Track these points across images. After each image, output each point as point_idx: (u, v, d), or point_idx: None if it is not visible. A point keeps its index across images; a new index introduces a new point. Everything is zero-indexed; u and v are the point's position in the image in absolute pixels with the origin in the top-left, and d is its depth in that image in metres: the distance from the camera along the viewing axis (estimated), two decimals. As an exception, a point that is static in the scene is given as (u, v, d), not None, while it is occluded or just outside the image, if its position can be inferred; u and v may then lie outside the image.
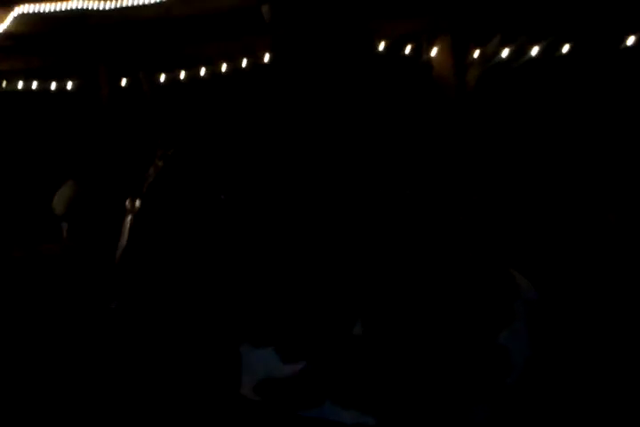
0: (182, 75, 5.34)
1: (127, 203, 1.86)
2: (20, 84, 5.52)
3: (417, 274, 1.96)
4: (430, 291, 1.93)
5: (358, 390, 1.73)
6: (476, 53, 4.93)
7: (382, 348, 1.77)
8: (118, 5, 4.42)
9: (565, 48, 4.87)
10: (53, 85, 5.50)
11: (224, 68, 5.29)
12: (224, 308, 1.72)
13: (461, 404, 1.84)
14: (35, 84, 5.51)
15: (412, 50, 5.03)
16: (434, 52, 4.89)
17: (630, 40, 4.69)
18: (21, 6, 4.51)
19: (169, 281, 1.69)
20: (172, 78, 5.35)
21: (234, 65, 5.28)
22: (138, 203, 1.79)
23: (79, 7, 4.44)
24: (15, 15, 4.54)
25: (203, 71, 5.32)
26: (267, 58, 5.13)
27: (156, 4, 4.43)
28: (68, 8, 4.45)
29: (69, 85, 5.51)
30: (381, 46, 4.41)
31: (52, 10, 4.47)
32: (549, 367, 2.07)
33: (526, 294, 2.08)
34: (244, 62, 5.24)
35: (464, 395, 1.85)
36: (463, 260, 2.08)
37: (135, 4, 4.41)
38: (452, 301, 1.94)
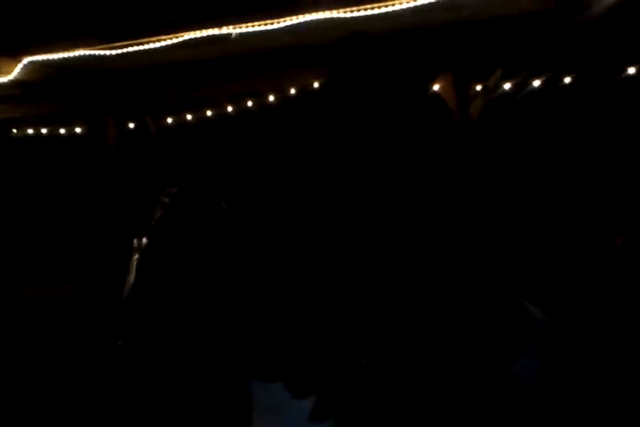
0: (188, 117, 5.43)
1: (134, 241, 1.87)
2: (31, 131, 5.63)
3: (428, 305, 1.94)
4: (441, 322, 1.91)
5: (371, 423, 1.70)
6: (478, 87, 4.99)
7: (393, 380, 1.74)
8: (124, 51, 4.53)
9: (567, 80, 4.93)
10: (62, 131, 5.60)
11: (230, 109, 5.37)
12: (232, 343, 1.70)
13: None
14: (44, 130, 5.61)
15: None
16: (436, 87, 4.95)
17: (630, 71, 4.75)
18: (30, 56, 4.64)
19: (176, 318, 1.68)
20: (178, 121, 5.43)
21: (239, 106, 5.37)
22: (144, 240, 1.80)
23: (86, 54, 4.54)
24: (24, 64, 4.66)
25: (209, 113, 5.40)
26: (271, 98, 5.23)
27: (161, 49, 4.53)
28: (76, 55, 4.56)
29: (78, 130, 5.61)
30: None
31: (60, 57, 4.58)
32: (564, 398, 2.03)
33: (540, 325, 2.06)
34: (249, 103, 5.33)
35: (479, 425, 1.81)
36: (474, 290, 2.06)
37: (141, 49, 4.52)
38: (462, 332, 1.92)
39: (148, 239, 1.79)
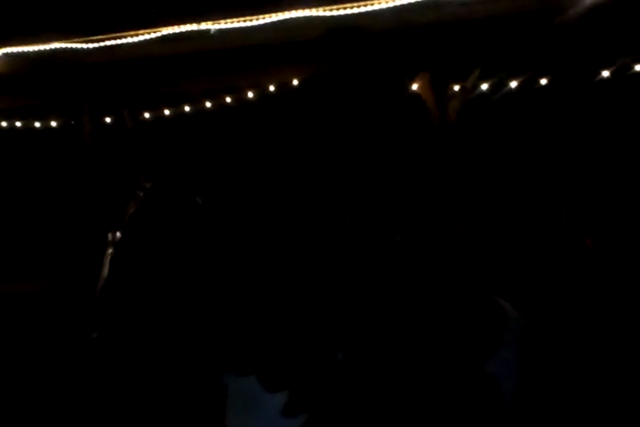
0: (165, 112, 5.39)
1: (109, 235, 1.86)
2: (4, 124, 5.56)
3: (402, 301, 1.96)
4: (415, 318, 1.93)
5: (344, 417, 1.71)
6: (456, 87, 5.03)
7: (367, 375, 1.76)
8: (102, 45, 4.49)
9: (543, 81, 4.98)
10: (37, 124, 5.53)
11: (208, 105, 5.35)
12: (207, 337, 1.70)
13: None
14: (19, 124, 5.54)
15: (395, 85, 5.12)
16: (414, 86, 4.98)
17: (605, 74, 4.83)
18: (5, 48, 4.57)
19: (150, 312, 1.68)
20: (156, 116, 5.40)
21: (217, 102, 5.35)
22: (118, 234, 1.79)
23: (63, 47, 4.49)
24: (0, 56, 4.60)
25: (187, 108, 5.38)
26: (250, 95, 5.21)
27: (139, 43, 4.49)
28: (53, 48, 4.50)
29: (54, 124, 5.55)
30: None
31: (37, 50, 4.52)
32: (540, 394, 2.06)
33: (514, 322, 2.09)
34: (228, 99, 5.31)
35: (454, 422, 1.83)
36: (449, 289, 2.08)
37: (118, 43, 4.48)
38: (438, 329, 1.94)
39: (122, 233, 1.78)
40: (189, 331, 1.71)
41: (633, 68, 4.77)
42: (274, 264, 1.78)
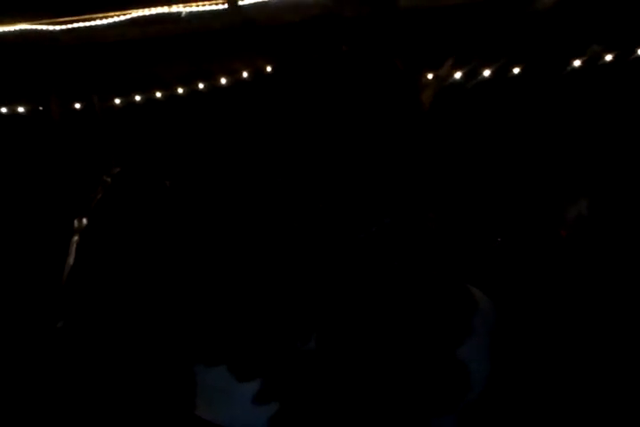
0: (136, 97, 5.30)
1: (75, 222, 1.81)
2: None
3: (373, 289, 1.95)
4: (387, 305, 1.92)
5: (316, 405, 1.70)
6: (430, 76, 5.02)
7: (339, 362, 1.74)
8: (70, 27, 4.39)
9: (516, 70, 5.00)
10: (4, 109, 5.40)
11: (180, 90, 5.27)
12: (176, 326, 1.67)
13: (423, 417, 1.82)
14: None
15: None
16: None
17: (576, 63, 4.86)
18: (-30, 29, 4.45)
19: (117, 299, 1.65)
20: (126, 101, 5.30)
21: (189, 88, 5.27)
22: (85, 221, 1.75)
23: (29, 29, 4.38)
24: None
25: (158, 94, 5.29)
26: (223, 81, 5.14)
27: (108, 26, 4.40)
28: (19, 29, 4.39)
29: (21, 109, 5.42)
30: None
31: (1, 31, 4.40)
32: (513, 380, 2.06)
33: (485, 309, 2.09)
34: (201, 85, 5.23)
35: (425, 408, 1.83)
36: (420, 275, 2.08)
37: (87, 25, 4.38)
38: (409, 316, 1.93)
39: (89, 220, 1.74)
40: (157, 320, 1.68)
41: (604, 57, 4.81)
42: (244, 251, 1.75)
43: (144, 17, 4.39)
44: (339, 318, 1.81)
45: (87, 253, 1.70)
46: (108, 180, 1.84)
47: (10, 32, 4.43)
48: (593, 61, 4.85)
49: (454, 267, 2.33)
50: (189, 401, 1.63)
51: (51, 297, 1.72)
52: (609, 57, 4.81)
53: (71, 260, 1.71)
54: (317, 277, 1.84)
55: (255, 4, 4.30)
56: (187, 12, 4.38)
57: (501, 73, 5.02)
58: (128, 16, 4.40)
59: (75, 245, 1.73)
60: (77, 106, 5.33)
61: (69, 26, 4.41)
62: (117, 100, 5.31)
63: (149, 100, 5.28)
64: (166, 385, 1.65)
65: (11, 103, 5.39)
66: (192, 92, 5.20)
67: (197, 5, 4.36)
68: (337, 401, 1.72)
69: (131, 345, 1.69)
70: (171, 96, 5.23)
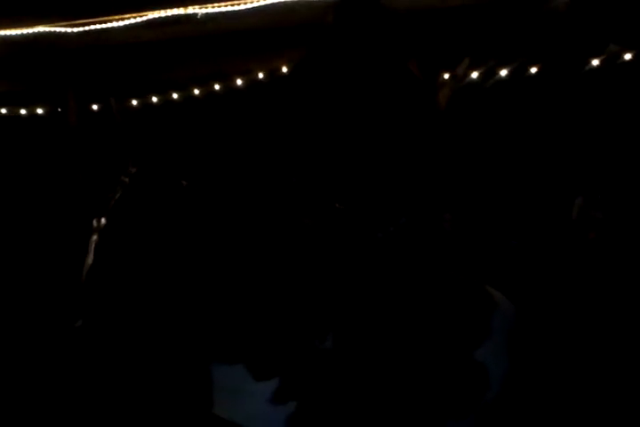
0: (153, 99, 5.33)
1: (94, 222, 1.82)
2: (-11, 110, 5.47)
3: (391, 288, 1.94)
4: (404, 305, 1.91)
5: (333, 405, 1.69)
6: (447, 75, 4.99)
7: (356, 362, 1.73)
8: (87, 29, 4.41)
9: (533, 70, 4.97)
10: (23, 111, 5.45)
11: (196, 92, 5.29)
12: (193, 325, 1.67)
13: (440, 419, 1.80)
14: (3, 110, 5.46)
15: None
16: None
17: (594, 62, 4.82)
18: (-11, 31, 4.49)
19: (135, 299, 1.65)
20: (143, 102, 5.33)
21: (205, 89, 5.28)
22: (103, 220, 1.76)
23: (47, 31, 4.41)
24: (-18, 40, 4.51)
25: (174, 95, 5.31)
26: (239, 82, 5.15)
27: (124, 28, 4.42)
28: (36, 32, 4.42)
29: (39, 111, 5.47)
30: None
31: (20, 34, 4.44)
32: (531, 381, 2.04)
33: (504, 310, 2.07)
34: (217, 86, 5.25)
35: (442, 410, 1.81)
36: (439, 277, 2.07)
37: (103, 27, 4.40)
38: (427, 316, 1.92)
39: (107, 220, 1.75)
40: (175, 319, 1.68)
41: (622, 56, 4.77)
42: (261, 250, 1.75)
43: (160, 18, 4.41)
44: (356, 317, 1.80)
45: (106, 252, 1.70)
46: (126, 180, 1.85)
47: (28, 34, 4.46)
48: (611, 61, 4.80)
49: (473, 268, 2.32)
50: (207, 399, 1.62)
51: (69, 296, 1.72)
52: (628, 56, 4.76)
53: (90, 259, 1.71)
54: (335, 276, 1.83)
55: (268, 5, 4.30)
56: (202, 14, 4.39)
57: (518, 73, 4.98)
58: (144, 18, 4.42)
59: (94, 245, 1.74)
60: (95, 107, 5.36)
61: (86, 28, 4.44)
62: (134, 102, 5.34)
63: (166, 101, 5.30)
64: (184, 383, 1.65)
65: (29, 105, 5.43)
66: (208, 93, 5.22)
67: (213, 7, 4.37)
68: (354, 401, 1.71)
69: (148, 343, 1.69)
70: (187, 97, 5.25)
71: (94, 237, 1.77)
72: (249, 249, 1.74)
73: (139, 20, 4.42)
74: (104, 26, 4.42)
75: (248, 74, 5.09)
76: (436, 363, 1.87)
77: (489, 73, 4.96)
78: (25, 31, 4.44)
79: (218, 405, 1.63)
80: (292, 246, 1.80)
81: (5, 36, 4.48)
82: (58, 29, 4.44)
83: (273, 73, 4.94)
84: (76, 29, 4.44)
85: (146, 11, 4.43)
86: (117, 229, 1.72)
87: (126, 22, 4.42)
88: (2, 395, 2.93)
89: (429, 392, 1.83)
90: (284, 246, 1.78)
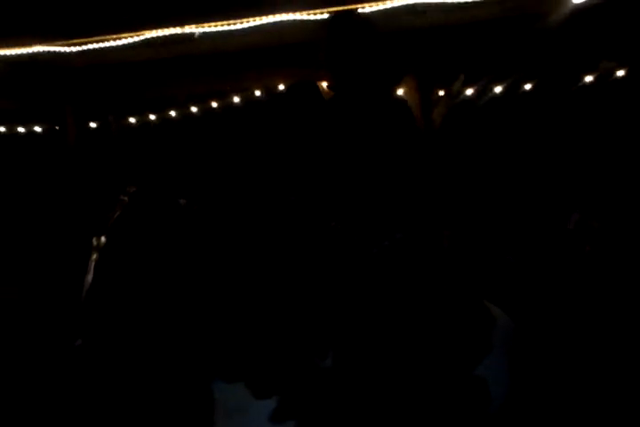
0: (150, 117, 5.36)
1: (93, 240, 1.83)
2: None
3: (389, 305, 1.94)
4: (404, 322, 1.91)
5: (334, 423, 1.68)
6: (441, 92, 5.03)
7: (356, 380, 1.73)
8: (84, 48, 4.44)
9: (527, 86, 5.02)
10: (21, 129, 5.47)
11: (193, 109, 5.32)
12: (193, 343, 1.67)
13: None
14: (2, 129, 5.48)
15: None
16: (400, 91, 4.98)
17: (588, 79, 4.87)
18: (-12, 51, 4.51)
19: (135, 317, 1.65)
20: (141, 120, 5.36)
21: (203, 107, 5.32)
22: (103, 239, 1.76)
23: (45, 51, 4.44)
24: (-19, 59, 4.53)
25: (172, 113, 5.34)
26: (236, 99, 5.19)
27: (122, 47, 4.46)
28: (35, 51, 4.45)
29: (37, 129, 5.49)
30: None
31: (18, 53, 4.46)
32: (533, 395, 2.04)
33: (503, 325, 2.08)
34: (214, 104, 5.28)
35: (443, 426, 1.81)
36: (437, 292, 2.07)
37: (101, 47, 4.44)
38: (427, 333, 1.93)
39: (107, 238, 1.76)
40: (175, 337, 1.68)
41: (615, 73, 4.82)
42: (261, 269, 1.76)
43: (157, 38, 4.45)
44: (355, 334, 1.81)
45: (105, 270, 1.71)
46: (125, 198, 1.86)
47: (25, 54, 4.49)
48: (604, 77, 4.85)
49: (472, 284, 2.33)
50: (207, 418, 1.62)
51: (69, 314, 1.73)
52: (620, 72, 4.81)
53: (90, 277, 1.72)
54: (334, 292, 1.84)
55: (264, 25, 4.34)
56: (199, 33, 4.43)
57: (513, 89, 5.03)
58: (141, 37, 4.45)
59: (93, 263, 1.75)
60: (93, 125, 5.39)
61: (84, 47, 4.46)
62: (132, 120, 5.37)
63: (164, 119, 5.33)
64: (185, 401, 1.65)
65: (27, 123, 5.46)
66: (206, 110, 5.25)
67: (210, 26, 4.41)
68: (354, 419, 1.71)
69: (148, 362, 1.69)
70: (185, 115, 5.28)
71: (94, 256, 1.78)
72: (248, 267, 1.75)
73: (136, 39, 4.46)
74: (102, 45, 4.45)
75: (245, 91, 5.12)
76: (436, 379, 1.87)
77: (484, 90, 5.00)
78: (23, 51, 4.46)
79: (217, 423, 1.63)
80: (291, 265, 1.81)
81: (4, 55, 4.51)
82: (56, 49, 4.47)
83: (270, 91, 4.97)
84: (74, 49, 4.47)
85: (143, 30, 4.46)
86: (117, 248, 1.73)
87: (124, 41, 4.45)
88: (3, 410, 2.91)
89: (430, 409, 1.83)
90: (282, 265, 1.79)
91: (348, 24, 2.36)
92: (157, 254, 1.72)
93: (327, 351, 1.73)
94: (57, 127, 5.32)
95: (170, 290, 1.69)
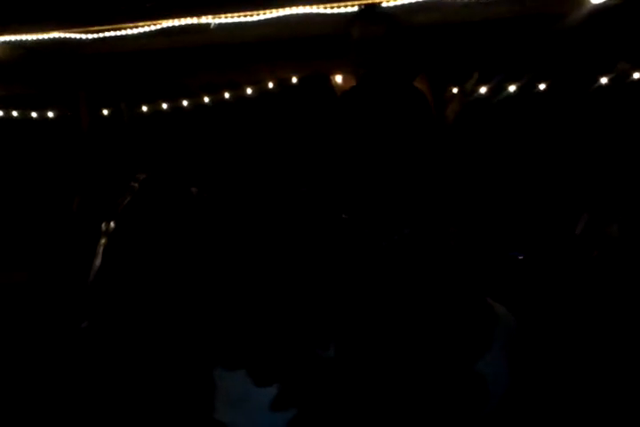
0: (163, 105, 5.37)
1: (103, 225, 1.84)
2: (0, 113, 5.53)
3: (394, 299, 1.95)
4: (407, 316, 1.92)
5: (333, 413, 1.70)
6: (455, 90, 5.02)
7: (358, 371, 1.74)
8: (100, 36, 4.46)
9: (542, 86, 5.00)
10: (34, 114, 5.50)
11: (206, 99, 5.33)
12: (197, 330, 1.68)
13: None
14: (15, 113, 5.51)
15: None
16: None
17: (603, 80, 4.84)
18: (3, 36, 4.54)
19: (141, 302, 1.66)
20: (153, 109, 5.38)
21: (215, 97, 5.33)
22: (112, 224, 1.78)
23: (61, 37, 4.46)
24: (-3, 44, 4.56)
25: (185, 102, 5.36)
26: (249, 91, 5.19)
27: (138, 35, 4.47)
28: (50, 37, 4.47)
29: (50, 114, 5.51)
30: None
31: (34, 39, 4.49)
32: (532, 393, 2.05)
33: (505, 323, 2.09)
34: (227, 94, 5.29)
35: (442, 420, 1.82)
36: (442, 288, 2.08)
37: (117, 34, 4.45)
38: (430, 328, 1.93)
39: (116, 224, 1.77)
40: (179, 324, 1.69)
41: (632, 74, 4.79)
42: (267, 258, 1.77)
43: (173, 27, 4.45)
44: (359, 326, 1.82)
45: (114, 255, 1.73)
46: (135, 185, 1.87)
47: (42, 40, 4.51)
48: (620, 78, 4.82)
49: (476, 281, 2.33)
50: (209, 404, 1.64)
51: (76, 297, 1.74)
52: (637, 74, 4.78)
53: (98, 262, 1.73)
54: (339, 283, 1.85)
55: (280, 17, 4.34)
56: (215, 24, 4.43)
57: (527, 89, 5.01)
58: (158, 26, 4.46)
59: (102, 248, 1.76)
60: (105, 112, 5.41)
61: (100, 35, 4.48)
62: (145, 108, 5.39)
63: (176, 108, 5.35)
64: (186, 388, 1.66)
65: (41, 108, 5.49)
66: (218, 100, 5.26)
67: (226, 17, 4.41)
68: (355, 410, 1.72)
69: (152, 347, 1.71)
70: (197, 104, 5.29)
71: (103, 241, 1.80)
72: (254, 256, 1.76)
73: (152, 28, 4.47)
74: (118, 33, 4.46)
75: (258, 83, 5.13)
76: (437, 374, 1.88)
77: (498, 88, 4.98)
78: (41, 36, 4.48)
79: (219, 410, 1.64)
80: (297, 254, 1.82)
81: (21, 40, 4.53)
82: (73, 35, 4.48)
83: (283, 83, 4.97)
84: (90, 36, 4.49)
85: (160, 19, 4.47)
86: (126, 233, 1.74)
87: (140, 30, 4.46)
88: (7, 395, 2.94)
89: (430, 402, 1.84)
90: (289, 254, 1.80)
91: (376, 17, 2.38)
92: (166, 241, 1.74)
93: (330, 342, 1.74)
94: (70, 113, 5.35)
95: (176, 276, 1.70)
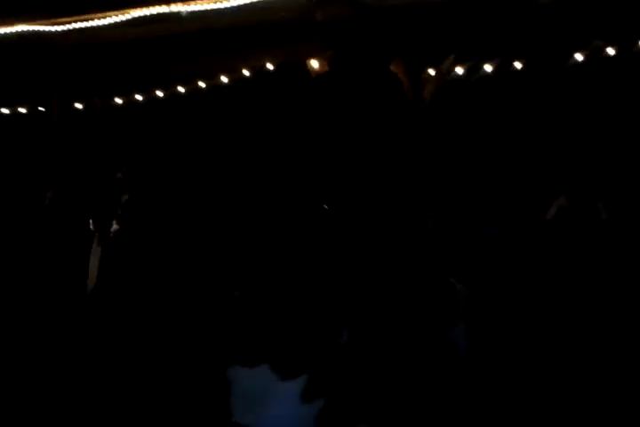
0: (137, 97, 5.30)
1: (92, 222, 1.81)
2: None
3: (385, 286, 1.99)
4: (400, 301, 1.97)
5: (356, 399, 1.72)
6: (432, 71, 5.00)
7: (369, 355, 1.79)
8: (69, 28, 4.38)
9: (518, 65, 4.99)
10: (5, 111, 5.40)
11: (180, 89, 5.27)
12: (208, 329, 1.65)
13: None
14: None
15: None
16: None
17: (578, 57, 4.85)
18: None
19: (152, 306, 1.64)
20: (127, 101, 5.30)
21: (190, 87, 5.26)
22: (115, 225, 1.75)
23: (30, 30, 4.37)
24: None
25: (159, 93, 5.28)
26: (224, 79, 5.13)
27: (108, 26, 4.39)
28: (19, 30, 4.38)
29: (22, 110, 5.42)
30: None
31: (1, 33, 4.40)
32: (489, 354, 2.21)
33: (463, 295, 2.28)
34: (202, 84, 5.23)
35: (434, 381, 1.91)
36: (422, 271, 2.15)
37: (87, 26, 4.37)
38: (416, 308, 2.01)
39: (120, 225, 1.74)
40: (190, 322, 1.67)
41: (606, 51, 4.79)
42: (276, 252, 1.76)
43: (144, 17, 4.38)
44: (363, 312, 1.87)
45: (114, 255, 1.70)
46: (120, 175, 1.85)
47: (9, 34, 4.42)
48: (595, 55, 4.83)
49: (444, 261, 2.45)
50: (225, 408, 1.59)
51: (77, 298, 1.71)
52: (611, 51, 4.79)
53: (96, 262, 1.70)
54: (345, 273, 1.88)
55: (253, 3, 4.28)
56: (186, 11, 4.36)
57: (503, 68, 5.00)
58: (127, 16, 4.38)
59: (102, 249, 1.73)
60: (78, 106, 5.32)
61: (68, 26, 4.39)
62: (119, 100, 5.31)
63: (150, 99, 5.27)
64: (204, 387, 1.62)
65: (12, 104, 5.39)
66: (193, 90, 5.19)
67: (197, 4, 4.35)
68: (369, 391, 1.75)
69: (161, 347, 1.68)
70: (172, 95, 5.22)
71: (102, 241, 1.77)
72: (262, 251, 1.74)
73: (122, 18, 4.39)
74: (87, 24, 4.38)
75: (233, 71, 5.07)
76: (425, 345, 1.99)
77: (474, 68, 4.97)
78: (6, 30, 4.39)
79: (237, 412, 1.60)
80: (304, 247, 1.82)
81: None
82: (40, 28, 4.40)
83: (258, 70, 4.92)
84: (58, 28, 4.40)
85: (129, 9, 4.39)
86: (132, 233, 1.72)
87: (110, 20, 4.39)
88: (7, 398, 2.88)
89: (424, 369, 1.94)
90: (297, 247, 1.80)
91: (341, 2, 2.36)
92: (168, 239, 1.72)
93: (342, 329, 1.76)
94: (42, 108, 5.26)
95: (183, 275, 1.68)
